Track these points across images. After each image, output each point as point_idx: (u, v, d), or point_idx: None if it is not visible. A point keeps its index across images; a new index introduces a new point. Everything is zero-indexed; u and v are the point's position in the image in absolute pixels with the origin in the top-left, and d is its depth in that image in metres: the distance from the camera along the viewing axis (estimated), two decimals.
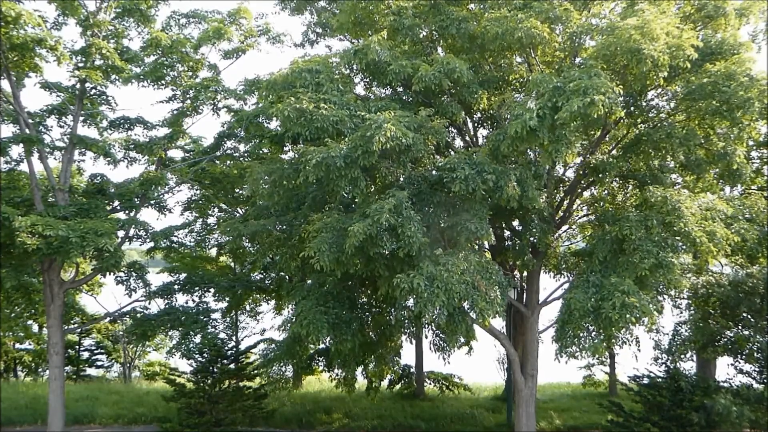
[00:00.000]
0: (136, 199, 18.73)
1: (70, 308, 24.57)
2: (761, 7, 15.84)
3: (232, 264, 24.71)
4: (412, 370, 23.90)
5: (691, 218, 12.99)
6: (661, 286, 15.21)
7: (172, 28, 19.22)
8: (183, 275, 20.79)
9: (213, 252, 25.19)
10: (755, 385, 16.11)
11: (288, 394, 22.38)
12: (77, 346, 30.09)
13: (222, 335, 21.19)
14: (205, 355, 18.57)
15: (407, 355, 22.55)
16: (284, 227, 16.34)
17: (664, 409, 16.27)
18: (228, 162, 21.50)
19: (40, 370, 29.56)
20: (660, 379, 16.88)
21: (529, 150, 14.78)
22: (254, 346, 21.29)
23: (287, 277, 21.47)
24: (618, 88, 12.47)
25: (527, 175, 13.38)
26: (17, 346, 29.74)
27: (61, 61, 16.89)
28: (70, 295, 23.96)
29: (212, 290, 20.74)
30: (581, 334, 13.41)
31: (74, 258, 15.65)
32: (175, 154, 20.99)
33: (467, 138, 16.97)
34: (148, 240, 19.17)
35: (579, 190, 16.83)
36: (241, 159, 21.09)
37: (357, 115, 13.21)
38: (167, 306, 19.78)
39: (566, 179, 17.21)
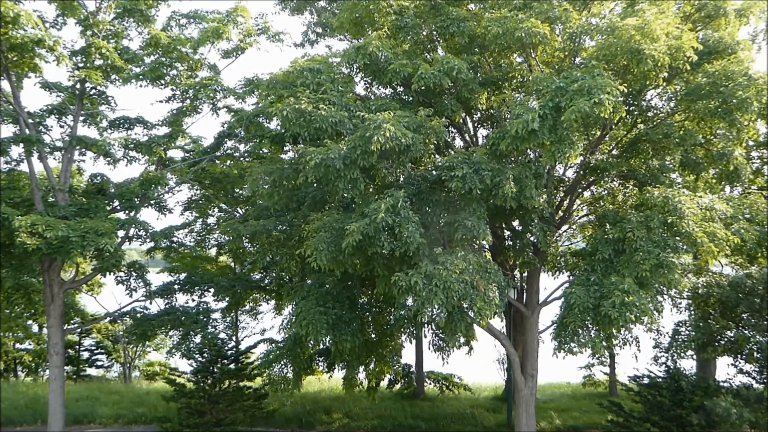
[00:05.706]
0: (136, 199, 18.71)
1: (70, 308, 24.56)
2: (761, 7, 15.84)
3: (232, 264, 24.70)
4: (412, 370, 23.89)
5: (693, 218, 12.99)
6: (661, 287, 15.18)
7: (172, 28, 19.23)
8: (183, 275, 20.83)
9: (213, 252, 25.18)
10: (755, 385, 16.10)
11: (288, 394, 22.35)
12: (77, 346, 30.10)
13: (222, 335, 21.23)
14: (205, 355, 18.59)
15: (407, 355, 22.54)
16: (284, 227, 16.33)
17: (664, 409, 16.26)
18: (228, 162, 21.50)
19: (40, 370, 29.54)
20: (660, 379, 16.87)
21: (529, 149, 14.78)
22: (254, 346, 21.27)
23: (287, 277, 21.46)
24: (622, 87, 12.48)
25: (525, 174, 13.36)
26: (17, 346, 29.73)
27: (61, 61, 16.87)
28: (70, 295, 23.96)
29: (212, 290, 20.76)
30: (580, 331, 13.41)
31: (74, 258, 15.67)
32: (175, 154, 21.01)
33: (467, 137, 16.96)
34: (148, 240, 19.18)
35: (579, 190, 16.83)
36: (241, 159, 21.08)
37: (356, 116, 13.20)
38: (167, 306, 19.81)
39: (566, 179, 17.21)
